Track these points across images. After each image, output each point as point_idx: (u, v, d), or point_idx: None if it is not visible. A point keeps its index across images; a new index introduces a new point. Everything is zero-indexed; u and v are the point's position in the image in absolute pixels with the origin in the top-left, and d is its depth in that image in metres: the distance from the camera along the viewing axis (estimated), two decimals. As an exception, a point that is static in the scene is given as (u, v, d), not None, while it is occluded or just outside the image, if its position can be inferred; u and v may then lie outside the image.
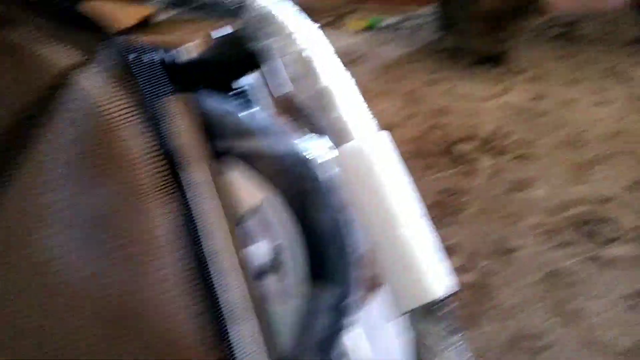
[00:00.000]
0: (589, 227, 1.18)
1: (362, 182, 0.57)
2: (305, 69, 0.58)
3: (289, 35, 0.59)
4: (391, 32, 2.42)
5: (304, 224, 0.67)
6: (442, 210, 1.26)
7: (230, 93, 0.79)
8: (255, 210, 0.67)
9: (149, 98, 0.46)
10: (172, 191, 0.45)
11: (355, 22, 2.56)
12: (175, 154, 0.49)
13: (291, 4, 0.61)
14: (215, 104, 0.69)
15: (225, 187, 0.64)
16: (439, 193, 1.33)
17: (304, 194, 0.67)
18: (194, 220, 0.46)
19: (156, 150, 0.45)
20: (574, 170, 1.37)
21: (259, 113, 0.75)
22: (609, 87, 1.78)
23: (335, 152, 0.58)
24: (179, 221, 0.44)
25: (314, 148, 0.70)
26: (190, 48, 0.82)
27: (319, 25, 0.62)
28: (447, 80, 1.91)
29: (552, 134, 1.53)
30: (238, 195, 0.66)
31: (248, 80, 0.81)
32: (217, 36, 0.79)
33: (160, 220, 0.44)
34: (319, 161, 0.69)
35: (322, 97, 0.58)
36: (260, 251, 0.72)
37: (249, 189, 0.67)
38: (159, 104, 0.47)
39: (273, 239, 0.70)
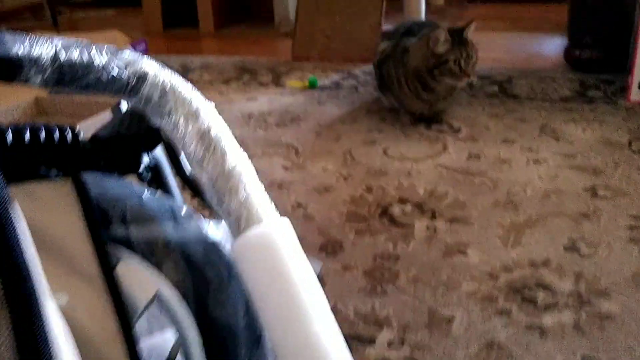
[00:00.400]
0: (525, 293, 1.15)
1: (268, 272, 0.52)
2: (209, 149, 0.54)
3: (193, 113, 0.55)
4: (330, 91, 2.42)
5: (205, 318, 0.62)
6: (375, 279, 1.21)
7: (132, 172, 0.73)
8: (150, 304, 0.61)
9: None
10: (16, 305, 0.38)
11: (294, 81, 2.56)
12: (25, 258, 0.42)
13: (185, 80, 0.57)
14: (112, 186, 0.64)
15: (118, 280, 0.58)
16: (373, 259, 1.29)
17: (206, 285, 0.62)
18: (46, 339, 0.39)
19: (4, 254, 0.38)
20: (508, 233, 1.35)
21: (160, 195, 0.70)
22: (542, 145, 1.79)
23: (240, 239, 0.53)
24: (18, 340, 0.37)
25: (218, 234, 0.65)
26: (88, 125, 0.77)
27: (213, 104, 0.58)
28: (384, 141, 1.90)
29: (486, 195, 1.52)
30: (131, 289, 0.60)
31: (152, 159, 0.76)
32: (117, 112, 0.73)
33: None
34: (223, 249, 0.64)
35: (227, 180, 0.54)
36: (156, 348, 0.66)
37: (144, 281, 0.61)
38: (7, 192, 0.41)
39: (170, 334, 0.64)
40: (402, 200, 1.52)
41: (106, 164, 0.71)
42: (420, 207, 1.49)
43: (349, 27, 2.83)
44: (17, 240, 0.38)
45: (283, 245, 0.52)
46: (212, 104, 0.56)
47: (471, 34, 1.86)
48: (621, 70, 2.25)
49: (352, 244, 1.35)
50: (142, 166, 0.74)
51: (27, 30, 3.75)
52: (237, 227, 0.52)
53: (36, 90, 2.20)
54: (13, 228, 0.38)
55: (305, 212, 1.48)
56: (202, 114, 0.55)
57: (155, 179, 0.78)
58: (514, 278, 1.19)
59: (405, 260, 1.28)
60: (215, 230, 0.64)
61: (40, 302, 0.38)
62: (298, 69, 2.73)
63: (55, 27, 4.05)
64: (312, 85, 2.46)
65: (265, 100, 2.34)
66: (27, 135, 0.60)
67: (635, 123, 1.92)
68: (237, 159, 0.54)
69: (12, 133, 0.59)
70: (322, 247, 1.34)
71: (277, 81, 2.58)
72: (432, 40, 1.83)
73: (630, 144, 1.77)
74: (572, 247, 1.28)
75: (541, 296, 1.14)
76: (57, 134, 0.64)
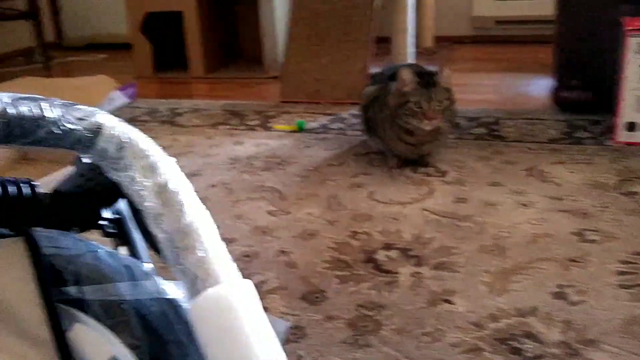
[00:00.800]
0: (512, 344, 1.11)
1: (225, 338, 0.49)
2: (166, 204, 0.51)
3: (150, 166, 0.52)
4: (317, 134, 2.41)
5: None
6: (358, 329, 1.18)
7: (93, 228, 0.71)
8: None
9: None
10: None
11: (282, 125, 2.55)
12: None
13: (143, 134, 0.55)
14: (66, 243, 0.61)
15: (71, 344, 0.55)
16: (357, 308, 1.25)
17: (164, 349, 0.58)
18: None
19: None
20: (495, 280, 1.31)
21: (118, 252, 0.67)
22: (529, 188, 1.77)
23: (196, 302, 0.50)
24: None
25: (178, 294, 0.62)
26: (53, 178, 0.74)
27: (174, 158, 0.56)
28: (370, 184, 1.88)
29: (473, 241, 1.49)
30: (85, 354, 0.56)
31: (116, 213, 0.73)
32: (79, 165, 0.71)
33: None
34: (183, 310, 0.61)
35: (184, 237, 0.51)
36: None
37: (98, 346, 0.57)
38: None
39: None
40: (388, 246, 1.49)
41: (66, 220, 0.68)
42: (405, 252, 1.46)
43: (337, 70, 2.84)
44: None
45: (242, 310, 0.49)
46: (173, 159, 0.54)
47: (444, 78, 1.85)
48: (609, 110, 2.24)
49: (336, 292, 1.31)
50: (105, 221, 0.71)
51: (19, 74, 3.76)
52: (194, 288, 0.49)
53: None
54: None
55: (289, 259, 1.44)
56: (159, 168, 0.53)
57: (120, 234, 0.75)
58: (501, 327, 1.16)
59: (389, 309, 1.24)
60: (175, 290, 0.61)
61: None
62: (286, 112, 2.72)
63: (47, 71, 4.07)
64: (300, 129, 2.45)
65: (252, 144, 2.32)
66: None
67: (622, 164, 1.90)
68: (196, 215, 0.51)
69: None
70: (305, 296, 1.30)
71: (265, 125, 2.57)
72: (399, 80, 1.85)
73: (618, 185, 1.75)
74: (560, 294, 1.25)
75: (528, 347, 1.10)
76: (13, 189, 0.62)
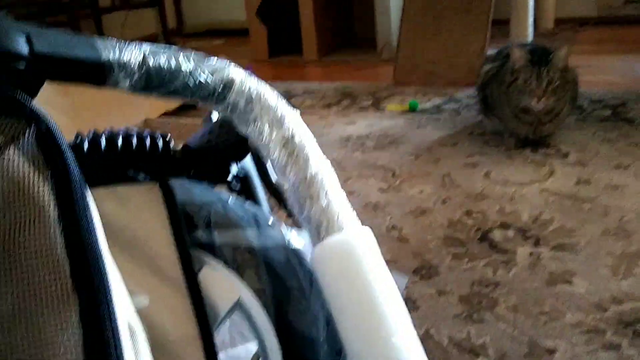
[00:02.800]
0: (637, 327, 1.05)
1: (347, 281, 0.50)
2: (292, 156, 0.53)
3: (278, 119, 0.54)
4: (430, 114, 2.38)
5: (285, 327, 0.60)
6: (472, 305, 1.16)
7: (221, 182, 0.74)
8: (232, 312, 0.60)
9: (78, 189, 0.39)
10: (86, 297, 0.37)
11: (394, 105, 2.54)
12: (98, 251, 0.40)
13: (271, 87, 0.56)
14: (198, 192, 0.64)
15: (200, 285, 0.58)
16: (471, 285, 1.23)
17: (287, 294, 0.60)
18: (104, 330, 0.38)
19: (77, 248, 0.38)
20: (619, 263, 1.25)
21: (245, 202, 0.70)
22: (659, 171, 1.66)
23: (320, 247, 0.52)
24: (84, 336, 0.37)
25: (301, 243, 0.64)
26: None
27: (298, 111, 0.57)
28: (485, 164, 1.83)
29: (595, 223, 1.42)
30: (213, 295, 0.59)
31: (242, 170, 0.76)
32: (208, 122, 0.74)
33: (56, 333, 0.36)
34: (305, 258, 0.62)
35: (309, 187, 0.53)
36: (238, 359, 0.65)
37: (226, 288, 0.60)
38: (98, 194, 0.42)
39: (253, 346, 0.63)
40: (504, 226, 1.45)
41: (196, 173, 0.72)
42: (523, 232, 1.41)
43: (454, 51, 2.79)
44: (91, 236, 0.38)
45: (363, 255, 0.50)
46: (297, 112, 0.56)
47: (560, 57, 1.77)
48: None
49: (449, 268, 1.30)
50: (231, 176, 0.75)
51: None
52: (317, 235, 0.50)
53: (145, 113, 2.31)
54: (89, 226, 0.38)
55: (400, 234, 1.44)
56: (286, 121, 0.54)
57: (245, 190, 0.78)
58: (625, 310, 1.10)
59: (505, 287, 1.21)
60: (298, 239, 0.63)
61: (109, 296, 0.38)
62: (399, 94, 2.71)
63: (169, 56, 4.27)
64: (413, 109, 2.43)
65: (364, 124, 2.33)
66: (120, 142, 0.62)
67: None
68: (320, 166, 0.52)
69: (106, 139, 0.61)
70: (417, 270, 1.30)
71: (377, 105, 2.57)
72: (511, 57, 1.80)
73: None
74: (693, 281, 1.17)
75: (656, 332, 1.04)
76: (148, 141, 0.66)
